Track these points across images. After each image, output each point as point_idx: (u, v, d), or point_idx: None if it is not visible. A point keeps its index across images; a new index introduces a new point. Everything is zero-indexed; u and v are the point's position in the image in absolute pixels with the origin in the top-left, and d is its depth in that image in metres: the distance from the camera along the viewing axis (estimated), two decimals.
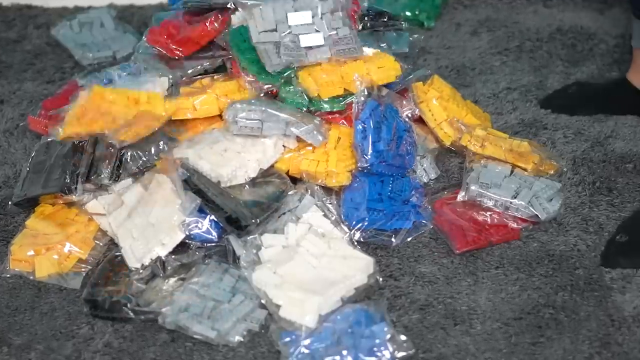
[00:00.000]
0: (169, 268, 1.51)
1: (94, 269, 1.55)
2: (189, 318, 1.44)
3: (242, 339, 1.43)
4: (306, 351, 1.39)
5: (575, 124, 1.83)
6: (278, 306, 1.43)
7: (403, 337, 1.40)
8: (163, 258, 1.51)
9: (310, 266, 1.49)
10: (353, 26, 1.71)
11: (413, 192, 1.62)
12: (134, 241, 1.54)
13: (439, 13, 2.16)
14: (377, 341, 1.39)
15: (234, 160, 1.58)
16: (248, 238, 1.52)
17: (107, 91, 1.67)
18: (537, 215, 1.60)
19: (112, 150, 1.66)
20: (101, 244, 1.60)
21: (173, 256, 1.52)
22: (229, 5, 1.78)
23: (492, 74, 2.00)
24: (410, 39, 1.97)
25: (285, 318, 1.42)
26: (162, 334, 1.45)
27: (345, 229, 1.56)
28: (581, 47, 2.06)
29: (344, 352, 1.38)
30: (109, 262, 1.54)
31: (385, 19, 1.95)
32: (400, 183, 1.63)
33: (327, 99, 1.65)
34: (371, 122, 1.59)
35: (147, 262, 1.50)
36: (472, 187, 1.62)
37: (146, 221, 1.55)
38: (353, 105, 1.62)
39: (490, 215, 1.61)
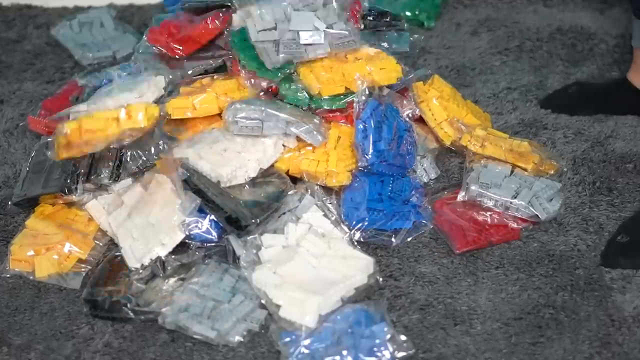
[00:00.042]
0: (169, 268, 1.51)
1: (93, 269, 1.55)
2: (189, 318, 1.44)
3: (242, 339, 1.43)
4: (306, 351, 1.39)
5: (575, 124, 1.83)
6: (278, 306, 1.43)
7: (403, 337, 1.40)
8: (163, 258, 1.51)
9: (310, 266, 1.49)
10: (354, 24, 1.71)
11: (413, 192, 1.62)
12: (134, 241, 1.54)
13: (439, 13, 2.16)
14: (377, 341, 1.39)
15: (234, 160, 1.58)
16: (248, 238, 1.52)
17: (83, 122, 1.61)
18: (537, 215, 1.60)
19: (112, 150, 1.66)
20: (101, 244, 1.60)
21: (173, 256, 1.52)
22: (227, 4, 1.78)
23: (492, 73, 2.00)
24: (411, 38, 1.97)
25: (285, 318, 1.42)
26: (162, 334, 1.45)
27: (345, 229, 1.56)
28: (581, 47, 2.06)
29: (344, 352, 1.38)
30: (109, 262, 1.54)
31: (387, 19, 1.95)
32: (400, 183, 1.63)
33: (327, 97, 1.64)
34: (372, 121, 1.59)
35: (147, 262, 1.50)
36: (472, 187, 1.62)
37: (146, 221, 1.55)
38: (354, 104, 1.62)
39: (491, 215, 1.61)
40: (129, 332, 1.46)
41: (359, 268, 1.48)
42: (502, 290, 1.50)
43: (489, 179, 1.62)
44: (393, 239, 1.57)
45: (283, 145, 1.63)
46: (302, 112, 1.65)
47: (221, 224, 1.53)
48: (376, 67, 1.66)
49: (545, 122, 1.84)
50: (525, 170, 1.66)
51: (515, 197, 1.60)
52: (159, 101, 1.72)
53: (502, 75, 1.99)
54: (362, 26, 1.79)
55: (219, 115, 1.69)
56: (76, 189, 1.61)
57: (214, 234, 1.54)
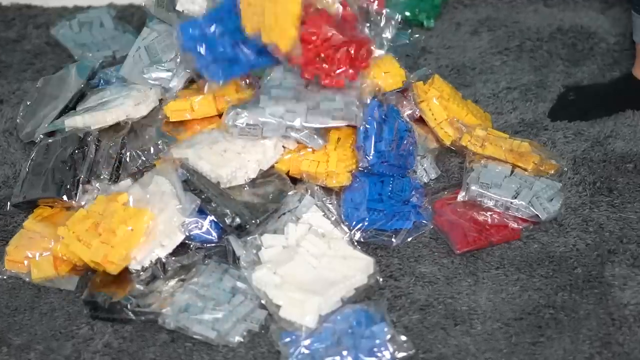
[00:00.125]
0: (169, 269, 1.51)
1: (90, 271, 1.55)
2: (189, 318, 1.43)
3: (242, 340, 1.42)
4: (306, 351, 1.39)
5: (575, 124, 1.83)
6: (278, 306, 1.43)
7: (403, 338, 1.40)
8: (163, 259, 1.51)
9: (311, 266, 1.49)
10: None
11: (413, 192, 1.62)
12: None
13: (438, 13, 2.16)
14: (377, 341, 1.39)
15: (233, 160, 1.58)
16: (248, 238, 1.52)
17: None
18: (537, 215, 1.59)
19: (112, 151, 1.66)
20: None
21: (173, 258, 1.52)
22: None
23: (492, 73, 1.99)
24: (411, 38, 1.97)
25: (286, 318, 1.42)
26: (162, 334, 1.45)
27: (346, 229, 1.56)
28: (581, 46, 2.06)
29: (344, 353, 1.38)
30: None
31: (400, 25, 1.96)
32: (400, 183, 1.63)
33: None
34: (374, 122, 1.59)
35: (147, 264, 1.50)
36: (473, 187, 1.62)
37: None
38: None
39: (491, 215, 1.61)
40: (128, 333, 1.46)
41: (359, 268, 1.48)
42: (503, 290, 1.50)
43: (489, 179, 1.62)
44: (393, 239, 1.57)
45: (283, 146, 1.63)
46: None
47: (221, 225, 1.53)
48: (380, 70, 1.65)
49: (545, 122, 1.84)
50: (525, 170, 1.66)
51: (515, 197, 1.60)
52: (153, 110, 1.73)
53: (502, 75, 1.99)
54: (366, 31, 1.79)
55: (218, 116, 1.69)
56: (76, 194, 1.60)
57: (214, 234, 1.54)
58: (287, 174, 1.63)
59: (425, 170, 1.71)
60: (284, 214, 1.57)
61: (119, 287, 1.48)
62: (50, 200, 1.62)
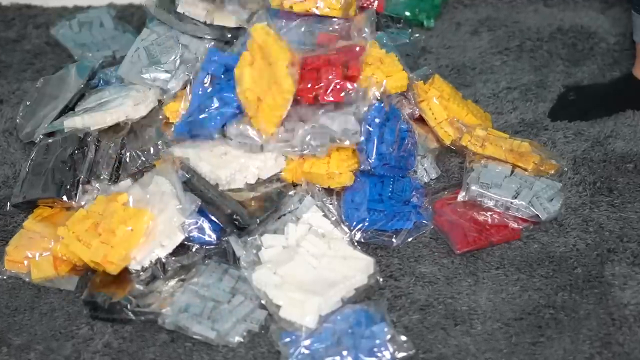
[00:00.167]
0: (169, 269, 1.51)
1: (90, 271, 1.55)
2: (189, 318, 1.43)
3: (242, 340, 1.42)
4: (306, 352, 1.38)
5: (575, 124, 1.83)
6: (278, 306, 1.43)
7: (403, 338, 1.40)
8: (163, 259, 1.50)
9: (311, 266, 1.49)
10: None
11: (413, 193, 1.62)
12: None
13: (438, 13, 2.16)
14: (378, 342, 1.39)
15: (233, 163, 1.58)
16: (248, 239, 1.52)
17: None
18: (537, 215, 1.59)
19: (111, 151, 1.66)
20: None
21: (173, 258, 1.52)
22: None
23: (492, 73, 1.99)
24: (411, 38, 1.97)
25: (286, 318, 1.42)
26: (162, 334, 1.45)
27: (346, 229, 1.56)
28: (582, 46, 2.06)
29: (344, 353, 1.38)
30: None
31: (400, 25, 1.97)
32: (400, 183, 1.63)
33: None
34: (376, 125, 1.59)
35: (147, 264, 1.50)
36: (473, 187, 1.62)
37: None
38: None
39: (491, 215, 1.61)
40: (128, 333, 1.46)
41: (359, 268, 1.48)
42: (503, 290, 1.50)
43: (489, 179, 1.62)
44: (394, 240, 1.57)
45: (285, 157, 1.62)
46: None
47: (221, 225, 1.53)
48: (382, 73, 1.65)
49: (545, 122, 1.84)
50: (525, 170, 1.66)
51: (515, 197, 1.60)
52: (153, 111, 1.73)
53: (503, 75, 1.99)
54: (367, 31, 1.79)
55: None
56: (76, 194, 1.60)
57: (213, 236, 1.53)
58: (292, 182, 1.62)
59: (425, 170, 1.71)
60: (284, 214, 1.57)
61: (119, 287, 1.48)
62: (50, 200, 1.62)
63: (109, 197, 1.56)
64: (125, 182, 1.62)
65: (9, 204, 1.68)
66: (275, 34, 1.57)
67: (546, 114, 1.86)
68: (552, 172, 1.68)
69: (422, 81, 1.75)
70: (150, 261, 1.50)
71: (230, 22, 1.79)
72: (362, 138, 1.57)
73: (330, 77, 1.57)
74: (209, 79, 1.65)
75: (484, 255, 1.56)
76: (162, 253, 1.50)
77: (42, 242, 1.57)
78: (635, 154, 1.74)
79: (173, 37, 1.82)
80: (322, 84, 1.57)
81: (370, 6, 1.90)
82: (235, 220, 1.52)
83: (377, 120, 1.58)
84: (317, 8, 1.71)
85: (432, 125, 1.73)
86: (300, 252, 1.50)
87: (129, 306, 1.45)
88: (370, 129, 1.58)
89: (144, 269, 1.49)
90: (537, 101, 1.90)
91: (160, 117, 1.71)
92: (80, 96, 1.80)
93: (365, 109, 1.59)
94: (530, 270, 1.53)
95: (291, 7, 1.71)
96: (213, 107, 1.60)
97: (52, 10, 2.28)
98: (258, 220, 1.53)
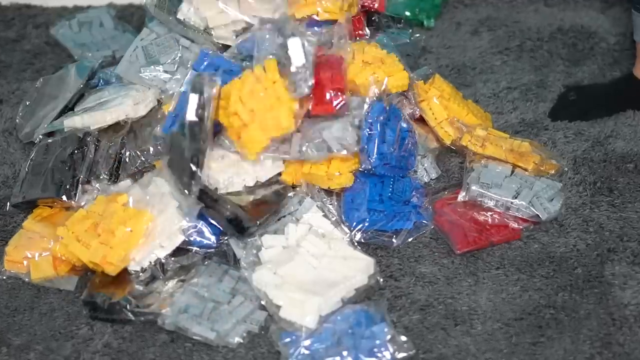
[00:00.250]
0: (168, 270, 1.51)
1: (89, 271, 1.55)
2: (189, 319, 1.43)
3: (241, 340, 1.42)
4: (306, 352, 1.38)
5: (575, 124, 1.82)
6: (278, 307, 1.43)
7: (403, 338, 1.40)
8: (162, 260, 1.50)
9: (311, 267, 1.49)
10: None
11: (414, 193, 1.62)
12: None
13: (439, 12, 2.16)
14: (378, 342, 1.39)
15: (231, 167, 1.57)
16: (248, 239, 1.51)
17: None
18: (538, 216, 1.59)
19: (111, 151, 1.66)
20: None
21: (173, 258, 1.51)
22: None
23: (492, 73, 1.99)
24: (412, 38, 1.97)
25: (286, 319, 1.41)
26: (162, 334, 1.45)
27: (346, 229, 1.56)
28: (582, 46, 2.06)
29: (344, 353, 1.38)
30: None
31: (401, 25, 1.97)
32: (401, 184, 1.63)
33: None
34: (377, 125, 1.59)
35: (146, 265, 1.49)
36: (473, 187, 1.62)
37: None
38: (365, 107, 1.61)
39: (491, 215, 1.60)
40: (128, 333, 1.45)
41: (359, 269, 1.48)
42: (503, 290, 1.50)
43: (489, 179, 1.62)
44: (394, 240, 1.57)
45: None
46: None
47: (221, 228, 1.52)
48: (383, 73, 1.65)
49: (545, 122, 1.84)
50: (525, 170, 1.66)
51: (515, 197, 1.60)
52: (152, 110, 1.73)
53: (503, 75, 1.98)
54: (368, 32, 1.79)
55: None
56: (75, 194, 1.60)
57: (213, 239, 1.53)
58: (292, 184, 1.62)
59: (425, 170, 1.70)
60: (284, 216, 1.56)
61: (118, 287, 1.48)
62: (50, 200, 1.62)
63: (108, 197, 1.56)
64: (125, 183, 1.63)
65: (8, 204, 1.68)
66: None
67: (546, 114, 1.86)
68: (553, 172, 1.68)
69: (422, 81, 1.75)
70: (150, 262, 1.49)
71: (230, 41, 1.78)
72: (364, 137, 1.57)
73: (320, 89, 1.57)
74: None
75: (484, 256, 1.56)
76: (161, 254, 1.50)
77: (42, 242, 1.57)
78: (635, 154, 1.74)
79: (173, 38, 1.82)
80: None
81: (371, 6, 1.89)
82: (235, 224, 1.51)
83: (378, 120, 1.58)
84: (317, 13, 1.71)
85: (432, 125, 1.73)
86: (301, 252, 1.50)
87: (128, 306, 1.45)
88: (372, 128, 1.58)
89: (143, 270, 1.49)
90: (538, 101, 1.90)
91: (160, 116, 1.71)
92: (80, 96, 1.80)
93: (364, 109, 1.59)
94: (530, 271, 1.53)
95: (293, 14, 1.71)
96: None
97: (51, 10, 2.28)
98: (258, 223, 1.52)
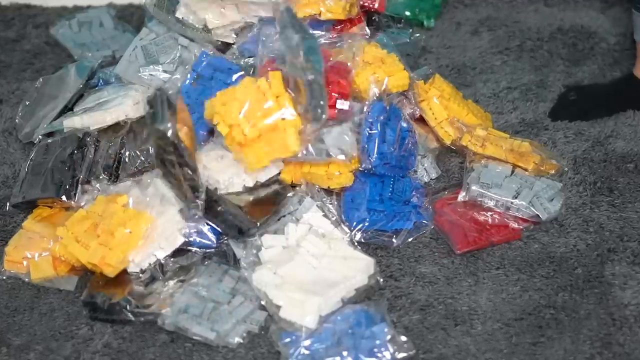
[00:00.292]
0: (167, 270, 1.50)
1: (90, 271, 1.55)
2: (189, 319, 1.43)
3: (241, 341, 1.42)
4: (306, 352, 1.38)
5: (576, 124, 1.82)
6: (278, 307, 1.43)
7: (403, 338, 1.40)
8: (162, 260, 1.50)
9: (311, 267, 1.48)
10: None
11: (414, 193, 1.62)
12: None
13: (439, 12, 2.16)
14: (378, 342, 1.38)
15: (231, 167, 1.57)
16: (248, 239, 1.51)
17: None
18: (538, 216, 1.59)
19: (111, 151, 1.66)
20: None
21: (172, 259, 1.51)
22: None
23: (492, 73, 1.99)
24: (412, 38, 1.97)
25: (286, 319, 1.41)
26: (162, 334, 1.45)
27: (346, 229, 1.56)
28: (582, 46, 2.06)
29: (344, 353, 1.38)
30: None
31: (401, 25, 1.97)
32: (401, 184, 1.62)
33: None
34: (378, 124, 1.58)
35: (145, 266, 1.49)
36: (473, 187, 1.62)
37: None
38: (365, 107, 1.61)
39: (491, 215, 1.60)
40: (128, 333, 1.45)
41: (359, 269, 1.48)
42: (503, 290, 1.50)
43: (489, 179, 1.62)
44: (394, 240, 1.57)
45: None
46: None
47: (220, 230, 1.52)
48: (384, 72, 1.65)
49: (545, 121, 1.84)
50: (526, 170, 1.65)
51: (516, 197, 1.60)
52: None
53: (503, 75, 1.98)
54: (368, 32, 1.79)
55: None
56: (75, 194, 1.60)
57: (213, 239, 1.53)
58: (292, 183, 1.62)
59: (425, 170, 1.70)
60: (284, 216, 1.56)
61: (118, 287, 1.48)
62: (50, 200, 1.62)
63: (108, 197, 1.56)
64: (125, 183, 1.62)
65: (8, 204, 1.68)
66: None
67: (546, 114, 1.86)
68: (553, 172, 1.68)
69: (422, 81, 1.75)
70: (149, 263, 1.49)
71: (229, 38, 1.78)
72: (364, 137, 1.57)
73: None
74: (196, 78, 1.65)
75: (484, 256, 1.56)
76: (160, 255, 1.50)
77: (42, 242, 1.57)
78: (635, 153, 1.74)
79: (172, 37, 1.81)
80: None
81: (371, 6, 1.89)
82: (235, 225, 1.51)
83: (378, 119, 1.58)
84: (319, 13, 1.71)
85: (432, 125, 1.73)
86: (301, 252, 1.50)
87: (128, 307, 1.45)
88: (372, 128, 1.58)
89: (142, 271, 1.49)
90: (538, 101, 1.90)
91: None
92: (80, 96, 1.80)
93: (365, 110, 1.59)
94: (530, 271, 1.52)
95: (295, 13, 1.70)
96: (196, 113, 1.61)
97: (51, 10, 2.28)
98: (258, 224, 1.52)
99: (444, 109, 1.72)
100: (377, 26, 1.93)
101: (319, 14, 1.73)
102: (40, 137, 1.74)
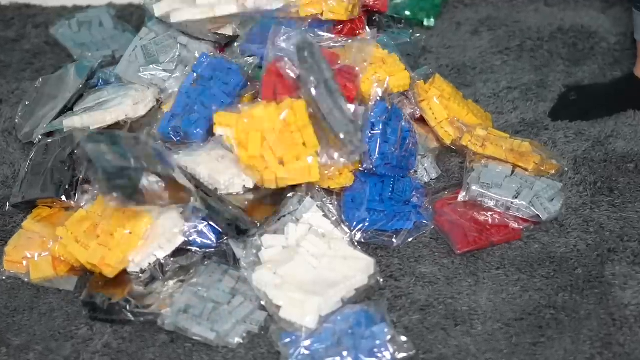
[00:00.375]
0: (167, 270, 1.50)
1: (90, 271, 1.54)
2: (189, 319, 1.43)
3: (241, 341, 1.42)
4: (306, 352, 1.38)
5: (576, 124, 1.82)
6: (278, 307, 1.43)
7: (403, 338, 1.40)
8: (162, 261, 1.50)
9: (311, 267, 1.48)
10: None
11: (414, 193, 1.62)
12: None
13: (439, 12, 2.16)
14: (378, 342, 1.38)
15: (231, 167, 1.57)
16: (248, 239, 1.51)
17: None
18: (538, 216, 1.59)
19: None
20: None
21: (172, 259, 1.51)
22: None
23: (492, 73, 1.99)
24: (412, 38, 1.97)
25: (286, 319, 1.41)
26: (162, 334, 1.45)
27: (346, 229, 1.56)
28: (582, 46, 2.06)
29: (344, 353, 1.37)
30: None
31: (401, 25, 1.97)
32: (401, 184, 1.62)
33: None
34: (380, 124, 1.58)
35: (145, 266, 1.49)
36: (473, 187, 1.61)
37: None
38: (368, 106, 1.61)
39: (491, 215, 1.60)
40: (128, 333, 1.45)
41: (359, 269, 1.48)
42: (503, 290, 1.50)
43: (489, 179, 1.62)
44: (394, 240, 1.57)
45: None
46: None
47: (220, 230, 1.52)
48: (384, 72, 1.65)
49: (546, 121, 1.84)
50: (526, 170, 1.65)
51: (516, 197, 1.60)
52: (152, 110, 1.73)
53: (503, 75, 1.98)
54: (368, 31, 1.79)
55: None
56: (75, 194, 1.60)
57: (213, 238, 1.53)
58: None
59: (425, 170, 1.70)
60: (284, 216, 1.56)
61: (118, 288, 1.48)
62: (49, 200, 1.62)
63: None
64: None
65: (8, 204, 1.68)
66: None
67: (547, 114, 1.86)
68: (553, 172, 1.68)
69: (422, 81, 1.75)
70: (149, 263, 1.49)
71: (228, 30, 1.78)
72: (366, 137, 1.57)
73: None
74: (196, 79, 1.66)
75: (484, 256, 1.56)
76: (160, 255, 1.50)
77: (41, 243, 1.57)
78: (636, 153, 1.74)
79: (172, 36, 1.81)
80: None
81: (374, 5, 1.89)
82: (235, 226, 1.51)
83: (380, 119, 1.58)
84: (321, 13, 1.71)
85: (432, 125, 1.73)
86: (301, 252, 1.50)
87: (128, 307, 1.45)
88: (374, 128, 1.58)
89: (142, 271, 1.49)
90: (538, 101, 1.90)
91: (160, 116, 1.71)
92: (79, 96, 1.80)
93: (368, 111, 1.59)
94: (530, 271, 1.52)
95: (297, 12, 1.70)
96: (196, 112, 1.61)
97: (51, 10, 2.28)
98: (258, 224, 1.52)
99: (444, 108, 1.72)
100: (377, 26, 1.93)
101: (321, 14, 1.72)
102: (40, 137, 1.74)
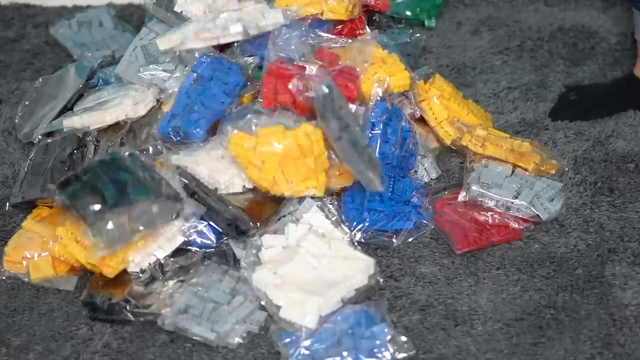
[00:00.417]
0: (167, 270, 1.50)
1: (90, 271, 1.54)
2: (189, 319, 1.43)
3: (241, 341, 1.42)
4: (306, 352, 1.38)
5: (576, 124, 1.82)
6: (278, 307, 1.43)
7: (403, 338, 1.40)
8: (162, 261, 1.50)
9: (311, 267, 1.48)
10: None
11: (414, 193, 1.62)
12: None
13: (439, 12, 2.16)
14: (378, 342, 1.38)
15: (232, 167, 1.57)
16: (248, 239, 1.51)
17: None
18: (538, 216, 1.59)
19: (110, 151, 1.66)
20: None
21: (172, 259, 1.51)
22: None
23: (493, 73, 1.99)
24: (412, 38, 1.97)
25: (286, 319, 1.41)
26: (162, 334, 1.45)
27: (346, 229, 1.56)
28: (582, 45, 2.06)
29: (344, 353, 1.37)
30: None
31: (401, 25, 1.97)
32: (401, 184, 1.62)
33: None
34: (380, 124, 1.58)
35: (145, 266, 1.49)
36: (473, 187, 1.61)
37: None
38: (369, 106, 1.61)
39: (492, 215, 1.60)
40: (128, 333, 1.45)
41: (359, 269, 1.48)
42: (503, 290, 1.50)
43: (490, 179, 1.62)
44: (394, 240, 1.57)
45: None
46: None
47: (220, 230, 1.52)
48: (384, 72, 1.65)
49: (546, 121, 1.84)
50: (526, 170, 1.65)
51: (516, 197, 1.60)
52: (152, 110, 1.73)
53: (503, 75, 1.98)
54: (369, 31, 1.79)
55: None
56: None
57: (213, 238, 1.53)
58: None
59: (425, 170, 1.70)
60: (284, 216, 1.56)
61: (118, 288, 1.48)
62: (49, 200, 1.62)
63: None
64: None
65: (7, 204, 1.68)
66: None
67: (547, 114, 1.86)
68: (553, 172, 1.68)
69: (422, 81, 1.75)
70: (149, 263, 1.49)
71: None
72: (367, 130, 1.58)
73: None
74: (196, 79, 1.66)
75: (484, 256, 1.56)
76: (160, 255, 1.50)
77: (41, 243, 1.57)
78: (636, 153, 1.74)
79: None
80: None
81: (375, 5, 1.88)
82: (235, 226, 1.51)
83: (381, 119, 1.58)
84: (322, 13, 1.71)
85: (432, 125, 1.73)
86: (301, 252, 1.50)
87: (128, 307, 1.45)
88: (374, 128, 1.58)
89: (142, 271, 1.49)
90: (538, 101, 1.90)
91: (160, 116, 1.71)
92: (79, 96, 1.80)
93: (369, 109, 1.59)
94: (531, 271, 1.52)
95: (296, 11, 1.70)
96: (196, 112, 1.61)
97: (51, 10, 2.28)
98: (258, 224, 1.52)
99: (444, 108, 1.72)
100: (377, 26, 1.93)
101: (321, 14, 1.72)
102: (39, 137, 1.74)
